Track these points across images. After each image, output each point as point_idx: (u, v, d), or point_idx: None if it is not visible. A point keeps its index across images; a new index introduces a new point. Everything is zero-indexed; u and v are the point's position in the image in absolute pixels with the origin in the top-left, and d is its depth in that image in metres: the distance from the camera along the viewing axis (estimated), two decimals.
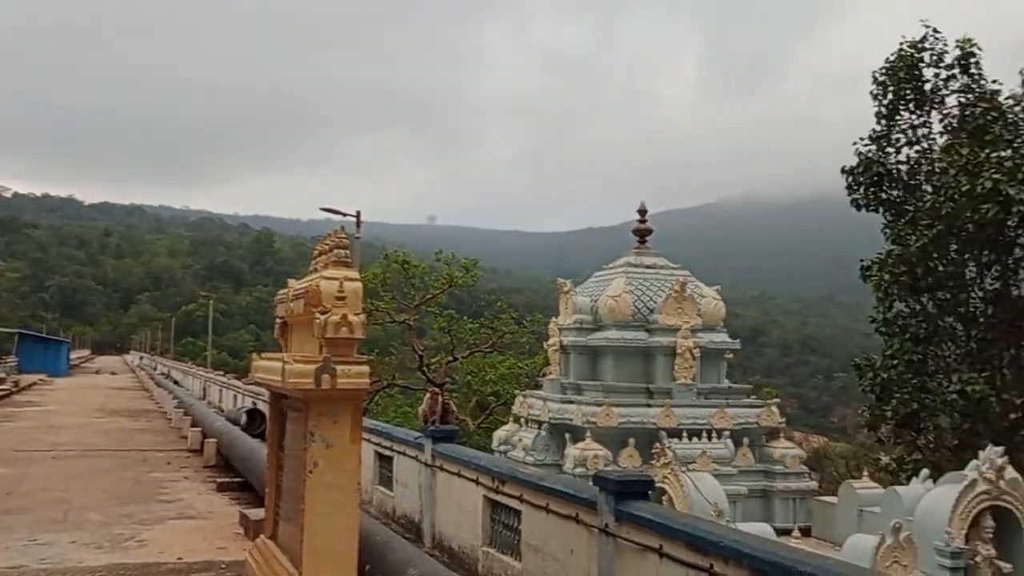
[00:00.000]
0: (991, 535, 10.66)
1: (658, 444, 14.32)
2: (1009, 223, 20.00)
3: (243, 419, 17.78)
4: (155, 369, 56.82)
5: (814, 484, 17.74)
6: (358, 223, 24.77)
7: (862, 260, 23.53)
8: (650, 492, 8.60)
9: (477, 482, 11.18)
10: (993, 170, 19.10)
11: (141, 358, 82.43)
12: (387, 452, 13.12)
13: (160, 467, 15.49)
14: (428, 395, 13.98)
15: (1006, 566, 10.53)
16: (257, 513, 9.77)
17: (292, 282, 6.95)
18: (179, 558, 8.76)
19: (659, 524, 6.67)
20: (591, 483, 7.59)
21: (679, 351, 17.50)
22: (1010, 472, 10.91)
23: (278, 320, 7.36)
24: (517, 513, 10.07)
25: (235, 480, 13.53)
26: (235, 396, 28.33)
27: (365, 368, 6.02)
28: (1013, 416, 18.96)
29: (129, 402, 32.38)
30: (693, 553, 6.47)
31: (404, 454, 13.67)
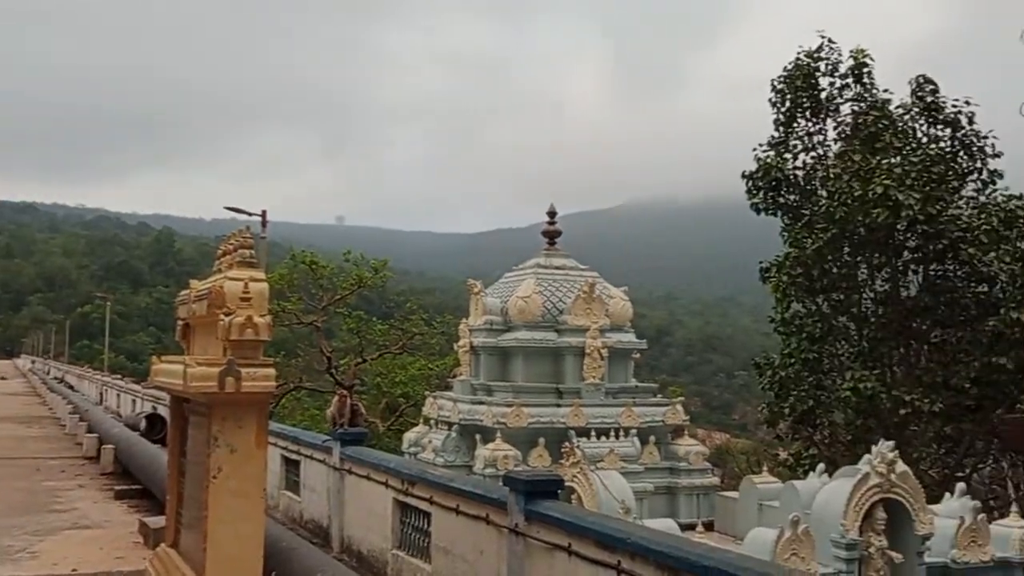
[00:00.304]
0: (883, 526, 11.13)
1: (567, 444, 14.48)
2: (898, 227, 20.98)
3: (142, 424, 17.24)
4: (48, 373, 54.61)
5: (716, 480, 18.21)
6: (264, 223, 24.31)
7: (761, 262, 24.31)
8: (559, 491, 8.70)
9: (387, 485, 11.11)
10: (883, 176, 19.98)
11: (33, 362, 79.03)
12: (294, 456, 12.91)
13: (54, 475, 14.92)
14: (336, 397, 13.81)
15: (897, 556, 11.02)
16: (157, 521, 9.49)
17: (195, 283, 6.79)
18: (73, 569, 8.48)
19: (568, 523, 6.76)
20: (501, 483, 7.63)
21: (588, 351, 17.73)
22: (900, 466, 11.42)
23: (180, 322, 7.17)
24: (427, 515, 10.04)
25: (134, 488, 13.14)
26: (134, 401, 27.45)
27: (271, 371, 5.91)
28: (903, 412, 19.85)
29: (20, 408, 31.05)
30: (601, 551, 6.59)
31: (312, 458, 13.46)
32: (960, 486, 13.52)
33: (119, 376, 36.54)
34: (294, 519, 12.83)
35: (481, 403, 17.59)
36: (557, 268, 19.05)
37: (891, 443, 12.76)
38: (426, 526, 10.19)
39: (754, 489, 15.78)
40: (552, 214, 19.60)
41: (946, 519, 11.80)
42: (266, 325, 5.76)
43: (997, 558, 11.80)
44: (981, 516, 12.19)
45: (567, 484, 13.44)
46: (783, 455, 24.61)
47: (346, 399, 13.35)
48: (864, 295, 22.92)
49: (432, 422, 18.84)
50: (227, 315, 5.53)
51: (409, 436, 19.74)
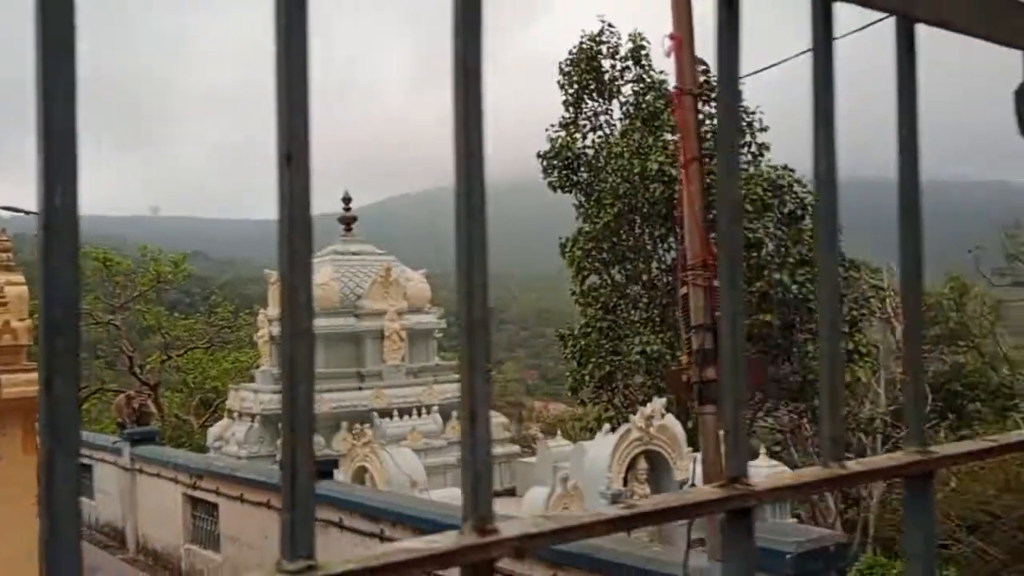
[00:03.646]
0: (645, 476, 12.24)
1: (357, 425, 14.92)
2: (675, 201, 22.56)
3: None
4: None
5: (517, 448, 19.17)
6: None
7: (560, 238, 25.50)
8: (334, 471, 9.17)
9: (176, 481, 11.19)
10: (658, 153, 21.44)
11: None
12: (86, 460, 12.67)
13: None
14: (122, 397, 13.62)
15: None
16: None
17: None
18: None
19: (339, 500, 7.35)
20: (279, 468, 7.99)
21: (387, 334, 18.18)
22: (659, 420, 12.56)
23: None
24: (215, 507, 10.25)
25: None
26: None
27: (34, 375, 5.97)
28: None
29: None
30: (368, 522, 7.19)
31: (103, 460, 13.22)
32: (720, 434, 14.93)
33: None
34: (89, 524, 12.60)
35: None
36: (354, 254, 19.36)
37: (664, 400, 13.92)
38: (215, 517, 10.38)
39: (549, 452, 16.78)
40: (347, 200, 19.86)
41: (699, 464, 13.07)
42: (26, 329, 5.81)
43: None
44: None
45: (360, 464, 13.88)
46: (586, 419, 26.07)
47: (132, 399, 13.20)
48: (653, 265, 24.51)
49: (235, 415, 18.78)
50: None
51: (214, 431, 19.58)
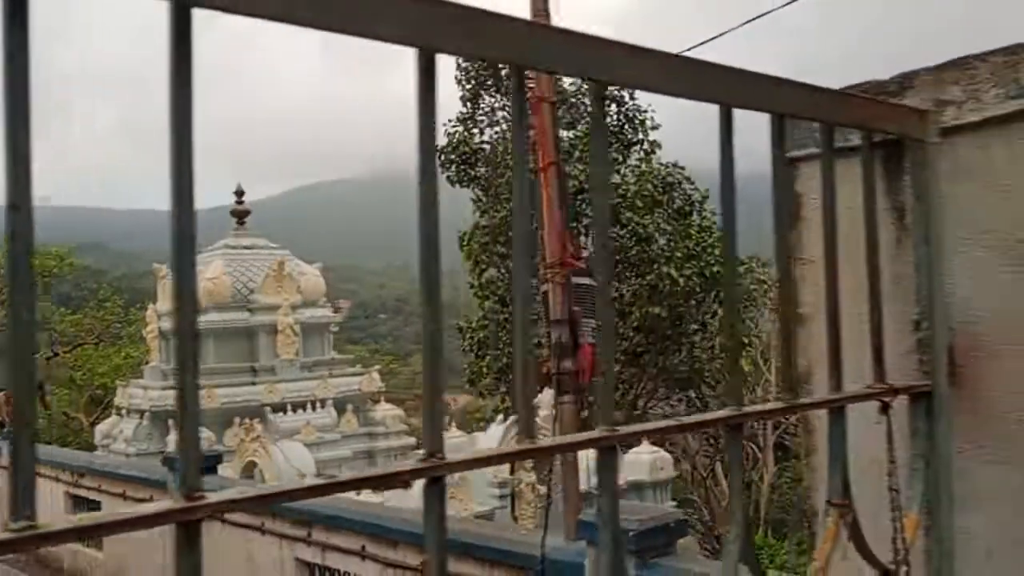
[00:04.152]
0: (532, 464, 12.64)
1: (247, 420, 14.91)
2: (570, 194, 23.10)
3: None
4: None
5: (413, 440, 19.39)
6: None
7: (459, 231, 25.77)
8: (217, 466, 9.28)
9: (58, 479, 11.07)
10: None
11: None
12: None
13: None
14: (1, 395, 13.30)
15: (543, 488, 12.59)
16: None
17: None
18: None
19: None
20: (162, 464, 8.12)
21: (280, 328, 18.14)
22: (546, 411, 12.96)
23: None
24: (97, 505, 10.20)
25: None
26: None
27: None
28: None
29: None
30: (248, 515, 7.33)
31: None
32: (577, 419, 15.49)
33: None
34: None
35: (172, 388, 17.47)
36: (246, 247, 19.23)
37: (551, 391, 14.31)
38: None
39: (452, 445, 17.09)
40: (240, 193, 19.69)
41: (585, 451, 13.57)
42: None
43: (630, 481, 13.78)
44: None
45: (250, 459, 13.92)
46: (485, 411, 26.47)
47: (11, 397, 12.91)
48: None
49: (124, 412, 18.47)
50: None
51: (102, 428, 19.22)
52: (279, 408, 17.37)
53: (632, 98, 24.97)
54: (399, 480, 1.02)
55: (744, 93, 1.38)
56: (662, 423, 1.48)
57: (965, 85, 1.72)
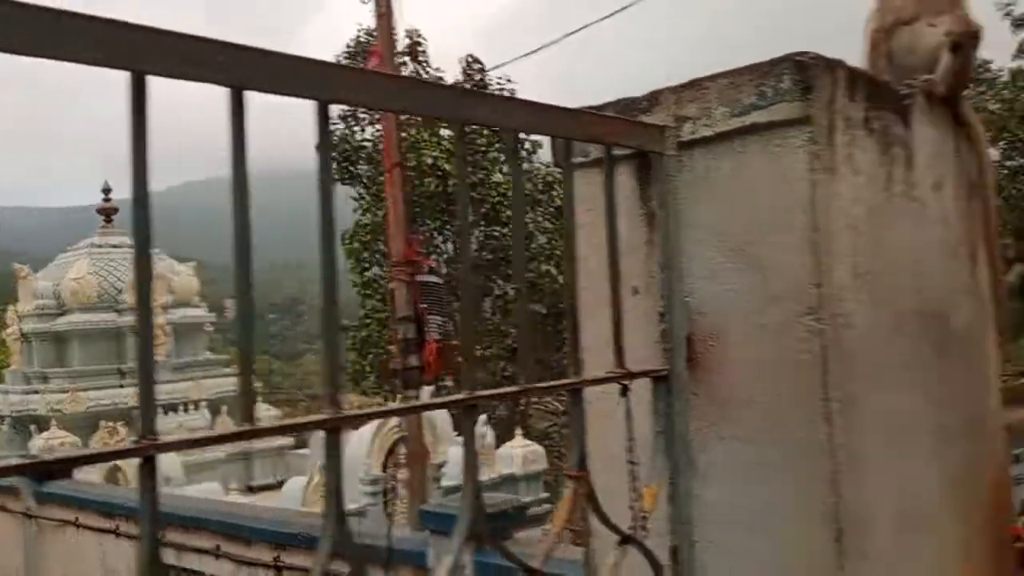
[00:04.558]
0: (405, 460, 12.74)
1: (107, 424, 14.49)
2: (450, 194, 23.29)
3: None
4: None
5: (291, 440, 19.17)
6: None
7: (342, 231, 25.59)
8: (72, 472, 9.01)
9: None
10: (432, 148, 22.04)
11: None
12: None
13: None
14: None
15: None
16: None
17: None
18: None
19: (76, 499, 7.30)
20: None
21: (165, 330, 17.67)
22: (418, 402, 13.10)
23: None
24: None
25: None
26: None
27: None
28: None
29: None
30: (103, 519, 7.19)
31: None
32: (482, 417, 15.73)
33: None
34: None
35: (35, 392, 16.85)
36: (114, 247, 18.61)
37: (431, 388, 14.43)
38: None
39: (321, 444, 16.96)
40: (107, 191, 19.03)
41: (458, 447, 13.77)
42: None
43: (504, 474, 14.05)
44: (489, 441, 14.39)
45: (116, 463, 13.51)
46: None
47: None
48: (432, 257, 25.12)
49: None
50: None
51: None
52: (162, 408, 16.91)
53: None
54: (110, 458, 1.14)
55: (476, 111, 1.55)
56: (380, 408, 1.65)
57: (699, 104, 1.94)
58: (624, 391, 1.84)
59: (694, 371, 1.97)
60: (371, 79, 1.40)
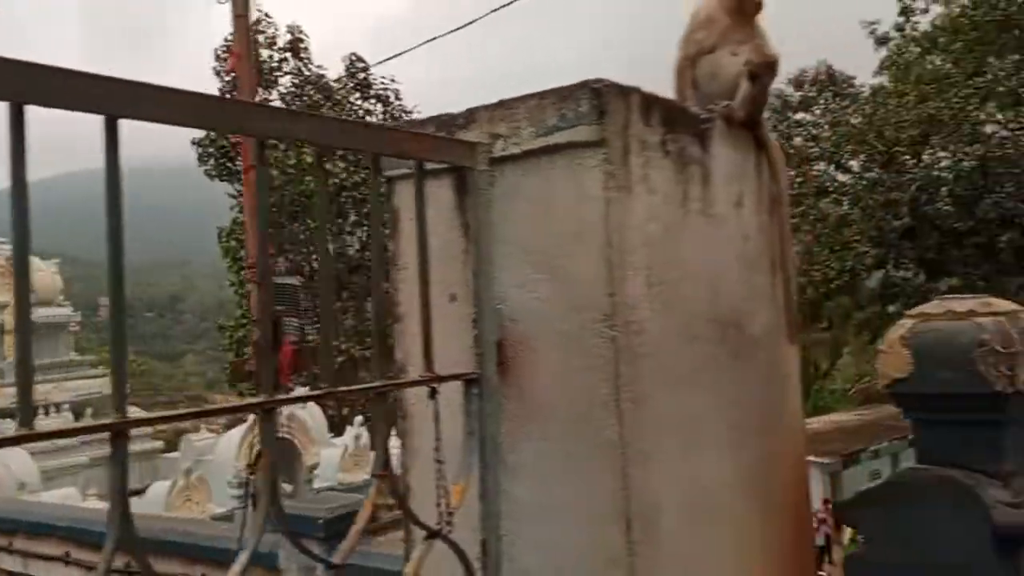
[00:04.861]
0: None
1: None
2: (337, 193, 23.05)
3: None
4: None
5: (160, 444, 18.62)
6: None
7: (218, 228, 24.94)
8: None
9: None
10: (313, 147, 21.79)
11: None
12: None
13: None
14: None
15: (287, 487, 12.55)
16: None
17: None
18: None
19: None
20: None
21: (7, 329, 16.80)
22: (288, 409, 12.94)
23: None
24: None
25: None
26: None
27: None
28: (340, 359, 22.04)
29: None
30: None
31: None
32: (358, 419, 15.66)
33: None
34: None
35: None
36: None
37: (306, 389, 14.18)
38: None
39: (192, 446, 16.52)
40: None
41: (333, 448, 13.70)
42: None
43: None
44: (364, 442, 14.35)
45: None
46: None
47: None
48: (313, 256, 24.79)
49: None
50: None
51: None
52: (6, 414, 16.06)
53: (397, 98, 25.28)
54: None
55: (271, 126, 1.61)
56: (177, 411, 1.70)
57: (509, 123, 2.07)
58: (432, 394, 1.94)
59: (506, 375, 2.09)
60: (163, 95, 1.43)
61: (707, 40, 2.37)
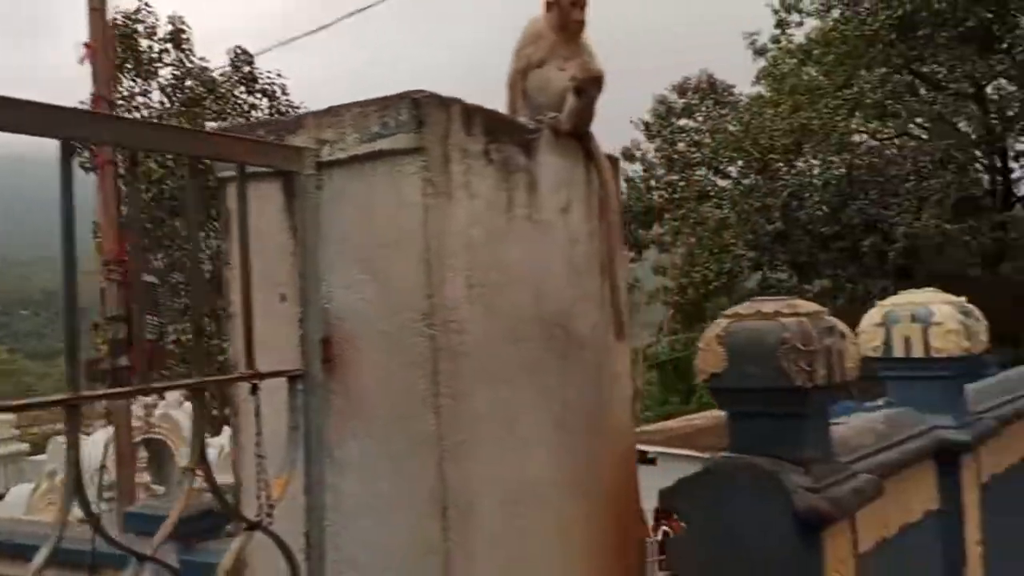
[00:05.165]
0: (145, 464, 12.21)
1: None
2: (213, 189, 22.47)
3: None
4: None
5: (26, 446, 17.82)
6: None
7: (93, 223, 23.99)
8: None
9: None
10: None
11: None
12: None
13: None
14: None
15: (160, 488, 12.22)
16: None
17: None
18: None
19: None
20: None
21: None
22: (161, 409, 12.58)
23: None
24: None
25: None
26: None
27: None
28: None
29: None
30: None
31: None
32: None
33: None
34: None
35: None
36: None
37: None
38: None
39: (59, 449, 15.85)
40: None
41: (209, 449, 13.37)
42: None
43: None
44: None
45: None
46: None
47: None
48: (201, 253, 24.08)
49: None
50: None
51: None
52: None
53: (284, 93, 24.83)
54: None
55: (88, 131, 1.64)
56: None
57: (336, 129, 2.13)
58: (253, 390, 1.99)
59: (332, 373, 2.16)
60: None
61: (535, 55, 2.49)
